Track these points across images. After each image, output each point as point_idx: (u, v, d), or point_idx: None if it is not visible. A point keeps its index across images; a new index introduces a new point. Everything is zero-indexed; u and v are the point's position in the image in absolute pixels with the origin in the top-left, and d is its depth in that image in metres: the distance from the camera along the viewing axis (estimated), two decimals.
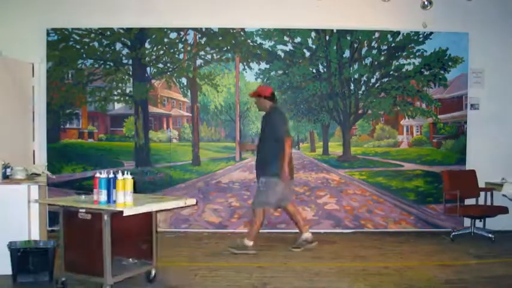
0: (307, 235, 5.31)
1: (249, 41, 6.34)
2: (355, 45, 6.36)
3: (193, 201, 4.24)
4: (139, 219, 3.95)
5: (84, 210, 3.67)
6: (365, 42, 6.35)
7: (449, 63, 6.35)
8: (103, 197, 3.64)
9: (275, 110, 5.20)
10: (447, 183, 5.86)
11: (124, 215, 3.49)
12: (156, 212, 4.14)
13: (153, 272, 4.11)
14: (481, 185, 6.03)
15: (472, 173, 6.07)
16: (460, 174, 6.08)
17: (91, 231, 3.65)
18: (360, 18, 6.31)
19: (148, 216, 4.03)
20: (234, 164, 6.42)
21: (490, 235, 5.69)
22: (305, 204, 6.27)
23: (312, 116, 6.43)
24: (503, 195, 5.72)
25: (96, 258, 3.61)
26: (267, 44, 6.35)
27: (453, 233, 5.83)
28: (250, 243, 5.11)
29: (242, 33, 6.33)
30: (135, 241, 4.16)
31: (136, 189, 3.95)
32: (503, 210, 5.72)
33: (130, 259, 4.09)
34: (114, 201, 3.63)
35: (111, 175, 3.68)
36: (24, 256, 4.04)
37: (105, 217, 3.57)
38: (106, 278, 3.58)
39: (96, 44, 6.29)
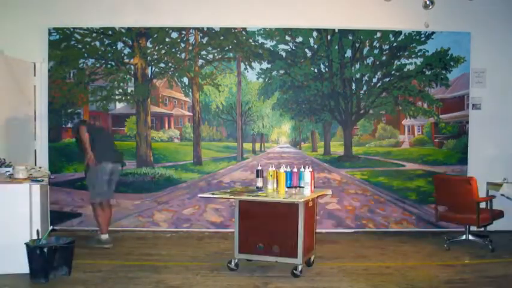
0: None
1: (250, 40, 6.33)
2: (357, 45, 6.35)
3: None
4: None
5: None
6: (367, 41, 6.35)
7: (451, 63, 6.34)
8: None
9: None
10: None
11: None
12: None
13: None
14: (483, 185, 5.95)
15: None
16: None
17: None
18: (361, 17, 6.31)
19: None
20: (235, 164, 6.42)
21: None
22: None
23: (313, 116, 6.43)
24: (502, 194, 5.66)
25: None
26: (269, 44, 6.34)
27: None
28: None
29: (244, 32, 6.33)
30: None
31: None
32: None
33: None
34: None
35: None
36: (45, 253, 4.01)
37: None
38: None
39: (97, 43, 6.30)
